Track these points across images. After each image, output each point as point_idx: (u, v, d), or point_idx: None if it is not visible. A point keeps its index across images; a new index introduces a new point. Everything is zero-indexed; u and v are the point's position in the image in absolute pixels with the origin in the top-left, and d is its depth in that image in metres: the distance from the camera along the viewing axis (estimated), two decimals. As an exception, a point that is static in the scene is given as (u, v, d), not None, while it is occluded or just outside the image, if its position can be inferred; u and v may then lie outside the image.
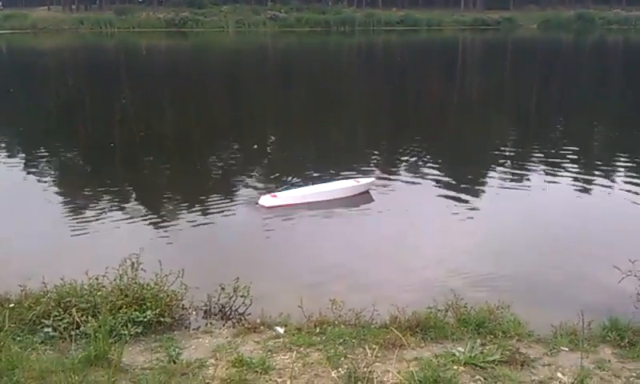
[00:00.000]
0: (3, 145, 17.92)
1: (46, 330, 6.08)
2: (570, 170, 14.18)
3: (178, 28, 71.61)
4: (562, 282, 8.42)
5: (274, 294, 7.68)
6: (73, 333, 5.91)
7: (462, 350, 5.59)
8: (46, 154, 16.61)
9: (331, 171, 13.86)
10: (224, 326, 6.75)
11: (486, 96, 28.85)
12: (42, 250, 9.58)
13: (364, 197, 12.20)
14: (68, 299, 6.35)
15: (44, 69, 40.14)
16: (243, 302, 7.01)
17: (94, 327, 5.68)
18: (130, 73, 39.12)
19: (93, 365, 5.27)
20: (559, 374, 5.36)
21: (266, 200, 11.69)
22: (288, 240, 10.50)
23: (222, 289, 7.03)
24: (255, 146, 17.48)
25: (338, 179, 12.89)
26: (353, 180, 12.61)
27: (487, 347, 5.70)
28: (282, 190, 12.29)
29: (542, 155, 15.66)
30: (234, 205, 11.88)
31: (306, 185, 12.66)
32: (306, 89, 30.69)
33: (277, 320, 6.57)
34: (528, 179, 13.49)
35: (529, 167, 14.47)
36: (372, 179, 12.74)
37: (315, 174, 13.70)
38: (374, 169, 14.48)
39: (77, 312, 6.04)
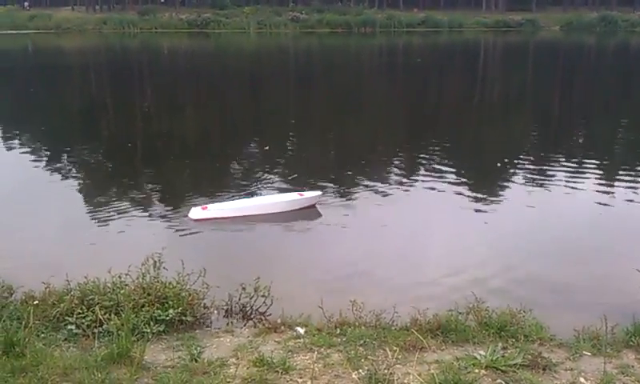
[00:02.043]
0: (25, 144, 18.15)
1: (69, 327, 6.17)
2: (592, 173, 14.01)
3: (200, 29, 72.05)
4: (585, 286, 8.34)
5: (294, 294, 7.69)
6: (96, 330, 5.99)
7: (484, 354, 5.56)
8: (67, 153, 16.79)
9: (348, 173, 13.89)
10: (245, 325, 6.80)
11: (506, 99, 28.67)
12: (65, 248, 9.73)
13: (312, 211, 11.51)
14: (91, 297, 6.43)
15: (67, 68, 40.56)
16: (264, 302, 7.06)
17: (116, 325, 5.77)
18: (152, 73, 39.38)
19: (115, 362, 5.33)
20: (582, 379, 5.31)
21: (196, 212, 11.05)
22: (305, 241, 10.53)
23: (243, 289, 7.06)
24: (267, 148, 17.46)
25: (283, 192, 12.34)
26: (296, 193, 11.84)
27: (509, 351, 5.67)
28: (228, 200, 11.89)
29: (564, 159, 15.50)
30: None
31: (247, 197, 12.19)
32: (324, 91, 30.65)
33: (297, 320, 6.57)
34: (549, 182, 13.36)
35: (550, 170, 14.33)
36: (319, 193, 11.85)
37: (309, 180, 13.52)
38: (391, 170, 14.46)
39: (100, 310, 6.11)
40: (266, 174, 14.19)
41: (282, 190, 12.61)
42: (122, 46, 60.87)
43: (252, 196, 12.26)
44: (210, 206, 11.32)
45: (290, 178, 13.79)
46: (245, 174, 14.61)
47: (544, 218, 11.25)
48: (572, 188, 12.83)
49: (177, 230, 10.56)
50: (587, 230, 10.61)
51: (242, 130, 20.95)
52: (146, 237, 10.15)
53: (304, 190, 11.96)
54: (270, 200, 11.80)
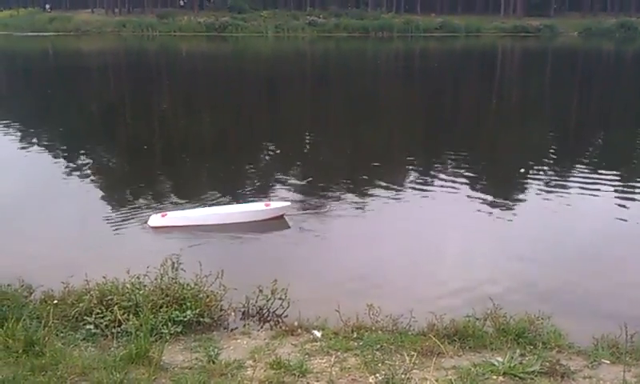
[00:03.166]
0: (42, 145, 18.35)
1: (88, 327, 6.24)
2: (610, 181, 13.84)
3: (219, 32, 72.33)
4: (604, 293, 8.28)
5: (310, 297, 7.68)
6: (114, 330, 6.04)
7: (501, 360, 5.53)
8: (85, 154, 16.87)
9: (364, 177, 13.90)
10: (261, 327, 6.83)
11: (524, 105, 28.45)
12: (83, 248, 9.83)
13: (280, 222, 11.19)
14: (110, 297, 6.49)
15: (86, 70, 40.94)
16: (281, 305, 7.07)
17: (135, 325, 5.80)
18: (170, 75, 39.61)
19: (134, 362, 5.37)
20: (600, 388, 5.28)
21: (155, 220, 10.84)
22: (320, 244, 10.52)
23: (260, 291, 7.09)
24: (278, 151, 17.53)
25: (249, 202, 12.03)
26: (262, 203, 11.56)
27: (527, 358, 5.63)
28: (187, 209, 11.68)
29: (582, 165, 15.38)
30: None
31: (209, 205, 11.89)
32: (340, 95, 30.59)
33: (314, 324, 6.59)
34: (567, 189, 13.22)
35: (567, 177, 14.22)
36: (287, 204, 11.55)
37: (322, 183, 13.60)
38: (407, 175, 14.44)
39: (118, 310, 6.16)
40: (280, 177, 14.30)
41: (278, 196, 12.49)
42: (140, 48, 61.29)
43: (234, 202, 12.07)
44: (169, 213, 11.15)
45: (304, 180, 13.82)
46: (259, 177, 14.69)
47: (562, 224, 11.17)
48: (590, 195, 12.72)
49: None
50: (606, 237, 10.52)
51: (258, 133, 20.98)
52: (164, 237, 10.25)
53: (272, 200, 11.83)
54: (235, 209, 11.48)
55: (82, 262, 8.67)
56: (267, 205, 11.44)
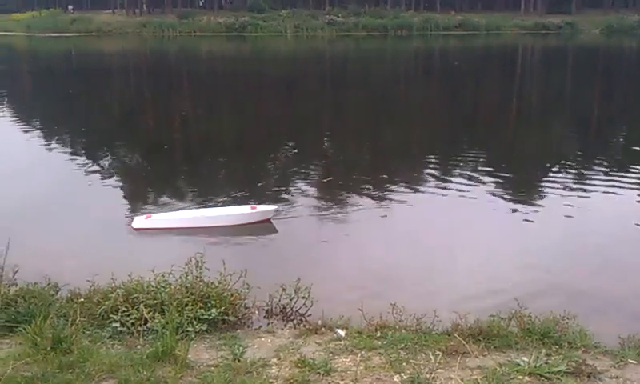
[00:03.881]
0: (67, 145, 18.56)
1: (114, 324, 6.29)
2: (635, 180, 13.72)
3: (238, 32, 72.62)
4: (630, 294, 8.20)
5: (333, 296, 7.72)
6: (140, 328, 6.08)
7: (527, 360, 5.50)
8: (107, 154, 17.09)
9: (383, 176, 13.91)
10: (285, 326, 6.86)
11: (545, 103, 28.23)
12: (108, 247, 9.94)
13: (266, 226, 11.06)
14: (135, 295, 6.55)
15: (108, 71, 41.33)
16: (304, 304, 7.09)
17: (161, 323, 5.86)
18: (191, 75, 39.83)
19: (160, 360, 5.40)
20: (627, 388, 5.23)
21: (139, 222, 10.89)
22: (341, 244, 10.49)
23: (284, 290, 7.12)
24: (297, 151, 17.57)
25: (233, 205, 11.88)
26: (249, 206, 11.40)
27: (552, 358, 5.59)
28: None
29: (605, 165, 15.22)
30: (289, 206, 12.07)
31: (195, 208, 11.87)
32: (359, 94, 30.56)
33: (337, 322, 6.58)
34: (590, 189, 13.10)
35: (590, 177, 14.08)
36: (274, 207, 11.38)
37: (342, 181, 13.63)
38: (428, 174, 14.40)
39: (145, 308, 6.21)
40: (299, 177, 14.36)
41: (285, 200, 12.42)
42: (161, 48, 61.71)
43: (221, 205, 11.97)
44: (154, 215, 11.14)
45: (324, 180, 13.83)
46: (278, 176, 14.75)
47: (586, 224, 11.09)
48: (614, 194, 12.61)
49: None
50: (631, 237, 10.40)
51: (277, 132, 21.04)
52: (185, 237, 10.34)
53: (258, 203, 11.61)
54: (221, 212, 11.36)
55: (106, 260, 8.76)
56: (254, 208, 11.26)
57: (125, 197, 13.20)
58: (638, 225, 10.95)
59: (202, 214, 11.28)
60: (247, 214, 11.12)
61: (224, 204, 11.96)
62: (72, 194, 13.18)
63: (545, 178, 14.07)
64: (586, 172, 14.58)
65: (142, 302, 6.39)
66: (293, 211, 11.75)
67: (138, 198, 12.96)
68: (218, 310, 6.41)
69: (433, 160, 16.07)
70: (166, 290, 6.55)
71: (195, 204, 12.13)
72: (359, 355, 5.68)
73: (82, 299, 6.83)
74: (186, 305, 6.40)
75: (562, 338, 6.08)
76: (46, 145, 18.33)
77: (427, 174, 14.42)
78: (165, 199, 12.55)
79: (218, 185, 14.21)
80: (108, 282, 6.98)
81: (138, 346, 5.82)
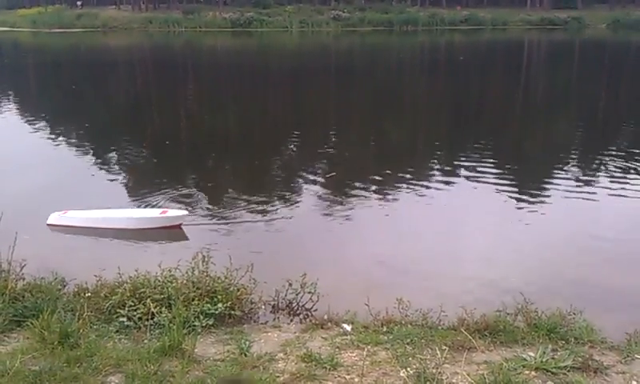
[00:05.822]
0: (71, 140, 18.60)
1: (121, 319, 6.31)
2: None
3: (243, 28, 72.57)
4: (636, 289, 8.18)
5: (338, 291, 7.69)
6: (147, 323, 6.10)
7: (533, 355, 5.51)
8: (111, 149, 17.03)
9: (387, 172, 13.96)
10: (291, 321, 6.88)
11: (551, 98, 28.14)
12: (114, 243, 9.98)
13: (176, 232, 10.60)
14: (142, 290, 6.56)
15: (113, 66, 41.40)
16: (310, 298, 7.10)
17: (168, 318, 5.88)
18: (196, 70, 39.86)
19: (167, 354, 5.44)
20: (634, 383, 5.22)
21: (54, 218, 10.62)
22: (348, 237, 10.50)
23: (290, 285, 7.13)
24: (302, 146, 17.52)
25: (146, 207, 11.59)
26: (159, 210, 11.03)
27: (559, 353, 5.60)
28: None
29: (611, 160, 15.12)
30: (295, 201, 12.09)
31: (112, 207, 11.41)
32: (365, 89, 30.56)
33: (343, 317, 6.60)
34: (597, 183, 13.07)
35: (597, 171, 14.07)
36: (184, 213, 10.88)
37: (346, 178, 13.60)
38: (433, 168, 14.41)
39: (151, 303, 6.23)
40: (303, 172, 14.33)
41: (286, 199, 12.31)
42: (167, 44, 61.72)
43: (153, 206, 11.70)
44: (69, 212, 10.80)
45: (328, 175, 13.82)
46: (283, 171, 14.76)
47: (592, 219, 11.07)
48: (621, 189, 12.54)
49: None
50: (635, 234, 10.35)
51: (282, 127, 21.03)
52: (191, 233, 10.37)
53: (169, 208, 11.27)
54: (131, 214, 10.97)
55: (113, 255, 8.80)
56: (164, 212, 10.87)
57: (128, 191, 13.21)
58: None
59: (114, 215, 10.87)
60: (157, 218, 10.73)
61: (234, 200, 11.94)
62: (78, 186, 13.24)
63: (554, 173, 13.99)
64: (593, 167, 14.54)
65: (149, 296, 6.41)
66: (297, 207, 11.75)
67: (144, 188, 12.96)
68: (225, 305, 6.42)
69: (438, 155, 16.06)
70: (173, 285, 6.57)
71: (195, 200, 12.12)
72: (365, 350, 5.69)
73: (89, 294, 6.87)
74: (193, 299, 6.42)
75: (569, 333, 6.07)
76: (52, 138, 18.38)
77: (432, 168, 14.41)
78: (173, 194, 12.54)
79: (222, 179, 14.22)
80: (115, 276, 7.01)
81: (145, 341, 5.84)
